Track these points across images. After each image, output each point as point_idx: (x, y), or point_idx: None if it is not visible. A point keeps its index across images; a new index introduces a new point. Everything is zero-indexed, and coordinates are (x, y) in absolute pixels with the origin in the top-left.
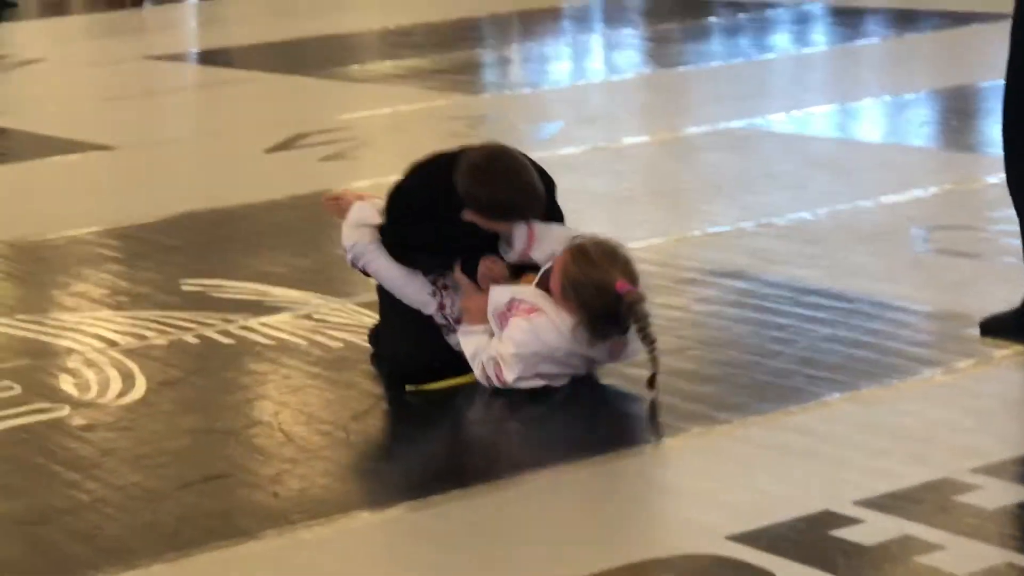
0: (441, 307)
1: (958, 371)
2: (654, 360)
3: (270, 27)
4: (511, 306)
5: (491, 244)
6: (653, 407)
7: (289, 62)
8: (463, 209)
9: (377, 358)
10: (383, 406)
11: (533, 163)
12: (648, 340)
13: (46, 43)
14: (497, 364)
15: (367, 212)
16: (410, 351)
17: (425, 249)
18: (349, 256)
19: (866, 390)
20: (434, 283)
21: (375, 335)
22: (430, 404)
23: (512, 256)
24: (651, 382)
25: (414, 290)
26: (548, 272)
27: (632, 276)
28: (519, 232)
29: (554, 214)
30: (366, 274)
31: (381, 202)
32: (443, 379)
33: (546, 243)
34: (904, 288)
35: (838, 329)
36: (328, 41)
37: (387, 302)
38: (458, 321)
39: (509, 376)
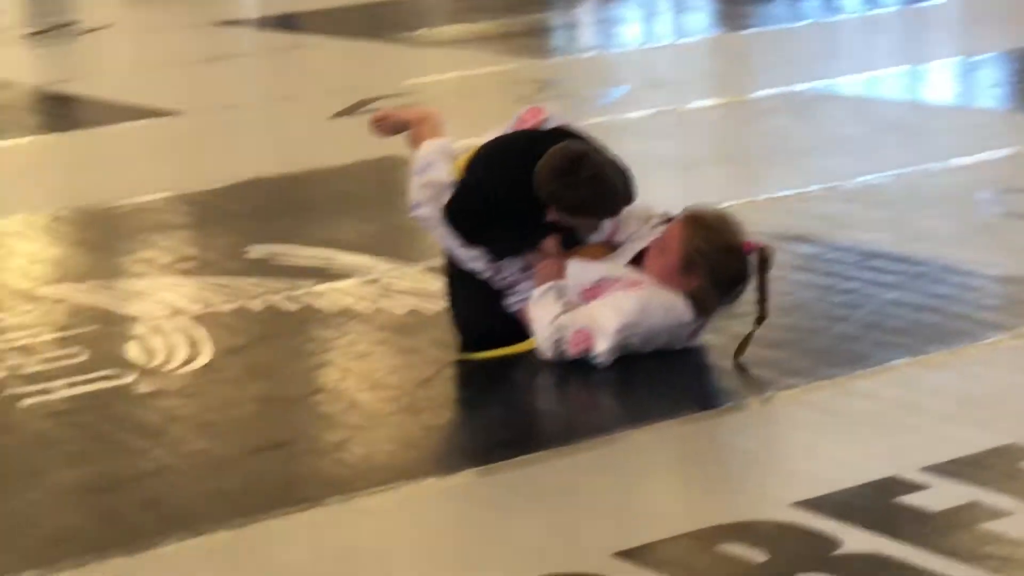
0: (498, 270)
1: None
2: (761, 315)
3: None
4: (602, 285)
5: (567, 234)
6: (720, 372)
7: (355, 26)
8: (545, 208)
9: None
10: (449, 372)
11: (609, 156)
12: (765, 297)
13: (114, 8)
14: (586, 334)
15: (437, 160)
16: (469, 317)
17: (497, 240)
18: (412, 212)
19: (933, 354)
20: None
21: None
22: (496, 370)
23: (595, 239)
24: (744, 344)
25: (471, 256)
26: (643, 251)
27: (749, 236)
28: (604, 222)
29: None
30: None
31: (450, 142)
32: (498, 347)
33: (628, 224)
34: (972, 252)
35: (905, 293)
36: (395, 5)
37: (451, 266)
38: (513, 285)
39: (601, 346)
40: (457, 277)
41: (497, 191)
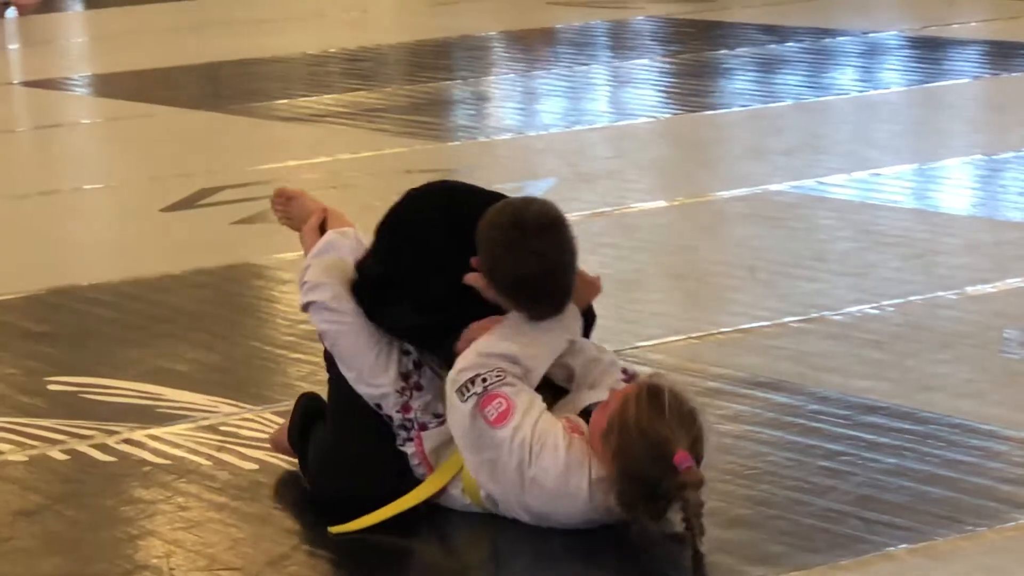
0: (406, 409)
1: None
2: (696, 557)
3: (172, 46)
4: None
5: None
6: (667, 556)
7: (196, 93)
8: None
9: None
10: (309, 548)
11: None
12: (696, 533)
13: None
14: (508, 408)
15: (341, 245)
16: (351, 472)
17: (419, 306)
18: (304, 299)
19: (942, 540)
20: (406, 378)
21: (299, 432)
22: (371, 542)
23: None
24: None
25: (375, 371)
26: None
27: (698, 453)
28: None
29: (587, 315)
30: (321, 337)
31: (361, 236)
32: (377, 508)
33: (587, 369)
34: (994, 408)
35: (907, 460)
36: (247, 66)
37: (339, 393)
38: (423, 427)
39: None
40: (343, 412)
41: (430, 232)
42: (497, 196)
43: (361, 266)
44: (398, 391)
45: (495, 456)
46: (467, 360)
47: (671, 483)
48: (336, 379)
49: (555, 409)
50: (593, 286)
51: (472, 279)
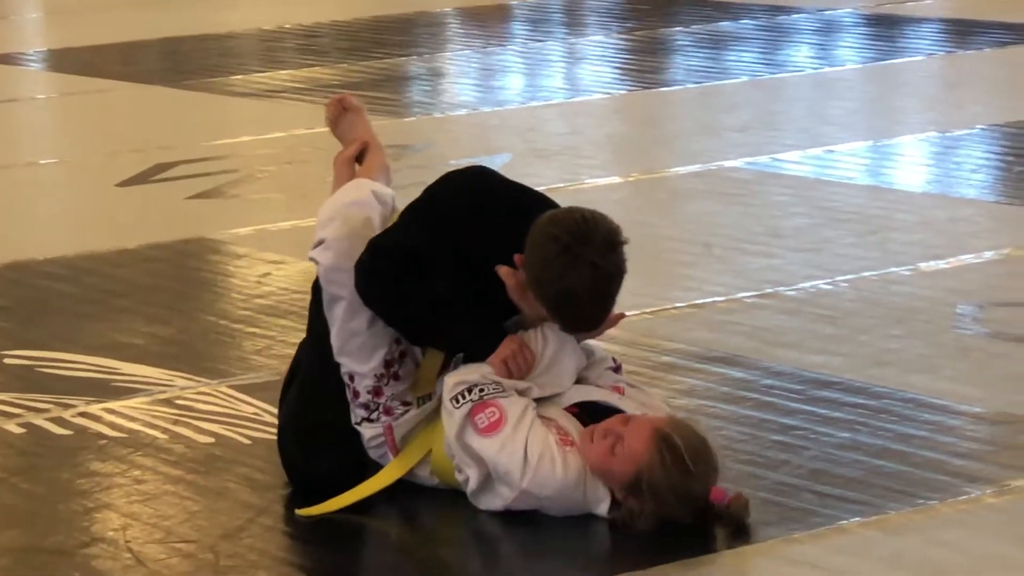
0: (377, 392)
1: (1014, 491)
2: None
3: (127, 22)
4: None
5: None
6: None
7: (150, 68)
8: (512, 264)
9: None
10: (265, 521)
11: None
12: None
13: None
14: (499, 420)
15: (372, 205)
16: (307, 446)
17: (431, 291)
18: (317, 257)
19: (894, 513)
20: (388, 366)
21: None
22: (332, 521)
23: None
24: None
25: (363, 351)
26: (604, 411)
27: (718, 471)
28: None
29: None
30: (315, 291)
31: (393, 197)
32: (341, 491)
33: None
34: (947, 383)
35: (860, 434)
36: (203, 41)
37: (304, 369)
38: (388, 412)
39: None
40: (307, 390)
41: (462, 203)
42: (529, 191)
43: (382, 240)
44: (376, 375)
45: (482, 462)
46: (469, 374)
47: (722, 512)
48: (316, 339)
49: (544, 406)
50: (615, 320)
51: (505, 273)
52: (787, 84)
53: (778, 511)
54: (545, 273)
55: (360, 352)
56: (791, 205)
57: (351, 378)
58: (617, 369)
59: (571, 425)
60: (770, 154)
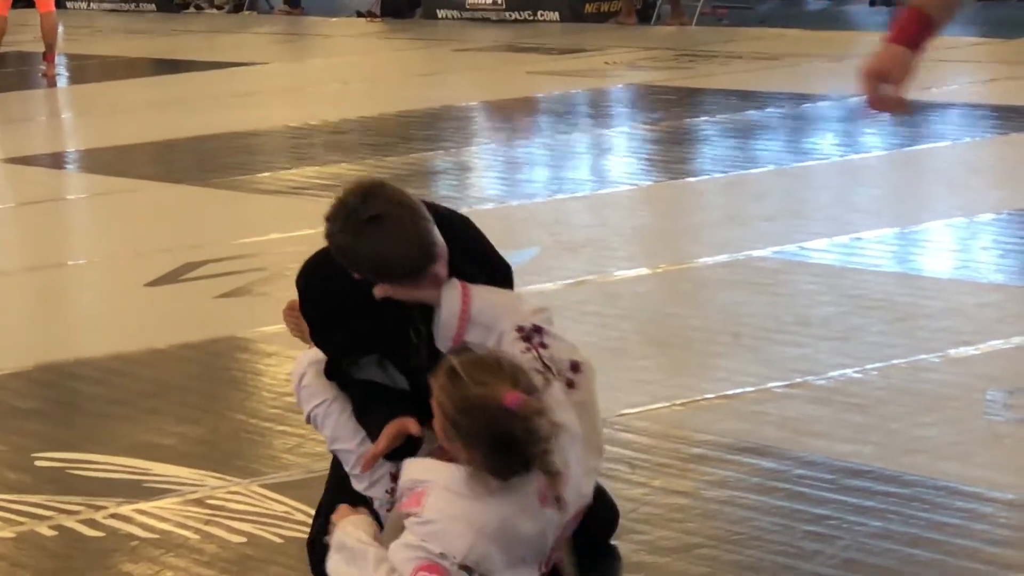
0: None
1: None
2: (566, 548)
3: (154, 121)
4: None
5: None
6: None
7: (178, 167)
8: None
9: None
10: None
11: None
12: (550, 472)
13: None
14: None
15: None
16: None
17: (351, 349)
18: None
19: None
20: (392, 492)
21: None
22: None
23: (443, 339)
24: None
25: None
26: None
27: (527, 385)
28: (449, 296)
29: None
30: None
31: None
32: None
33: (488, 315)
34: (979, 469)
35: (893, 522)
36: (229, 140)
37: (337, 479)
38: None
39: None
40: (334, 485)
41: (324, 291)
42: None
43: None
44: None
45: None
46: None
47: (518, 426)
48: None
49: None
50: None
51: (379, 290)
52: (813, 172)
53: None
54: (344, 255)
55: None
56: (819, 294)
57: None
58: (528, 338)
59: (430, 470)
60: (797, 243)
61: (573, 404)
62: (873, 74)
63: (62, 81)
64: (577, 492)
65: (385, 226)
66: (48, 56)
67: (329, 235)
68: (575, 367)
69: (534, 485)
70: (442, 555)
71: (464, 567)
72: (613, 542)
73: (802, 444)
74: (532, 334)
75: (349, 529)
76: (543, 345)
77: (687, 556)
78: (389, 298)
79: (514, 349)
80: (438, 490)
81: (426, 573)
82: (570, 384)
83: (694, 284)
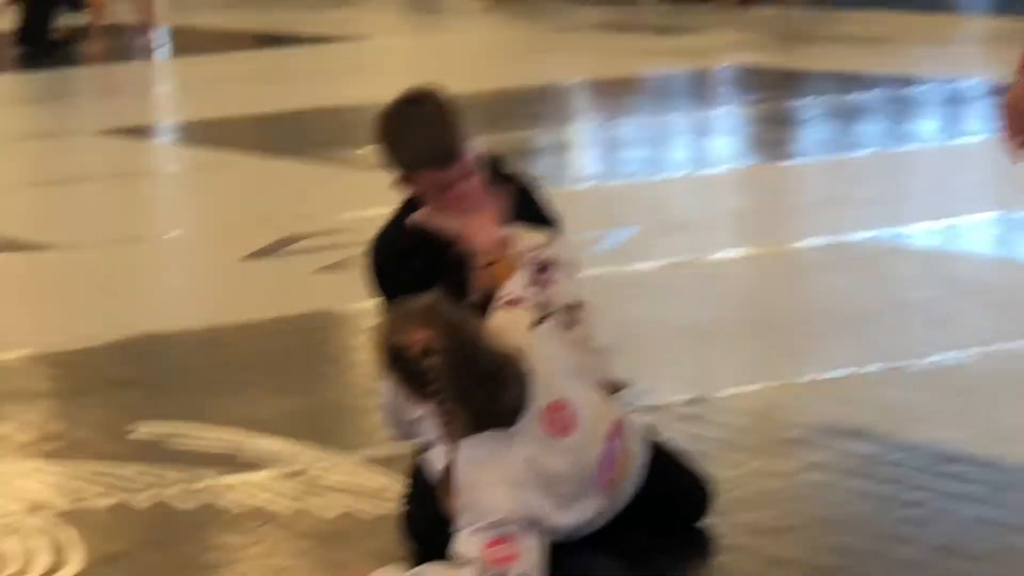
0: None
1: None
2: None
3: (256, 94)
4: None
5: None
6: None
7: (278, 141)
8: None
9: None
10: None
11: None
12: (440, 405)
13: None
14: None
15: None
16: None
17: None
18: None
19: None
20: None
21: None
22: None
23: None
24: None
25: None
26: None
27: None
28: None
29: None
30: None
31: None
32: None
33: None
34: None
35: (990, 509)
36: (331, 114)
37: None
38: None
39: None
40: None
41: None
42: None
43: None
44: None
45: None
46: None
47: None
48: None
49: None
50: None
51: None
52: (914, 156)
53: None
54: (383, 137)
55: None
56: (919, 278)
57: None
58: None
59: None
60: (897, 227)
61: (573, 340)
62: (1017, 109)
63: (163, 53)
64: (595, 415)
65: (423, 107)
66: (145, 28)
67: (376, 126)
68: (576, 306)
69: (535, 424)
70: (493, 524)
71: (519, 522)
72: (708, 521)
73: (899, 429)
74: (545, 266)
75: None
76: (549, 282)
77: (782, 538)
78: (449, 269)
79: (523, 278)
80: (463, 468)
81: (493, 548)
82: (570, 323)
83: (793, 266)
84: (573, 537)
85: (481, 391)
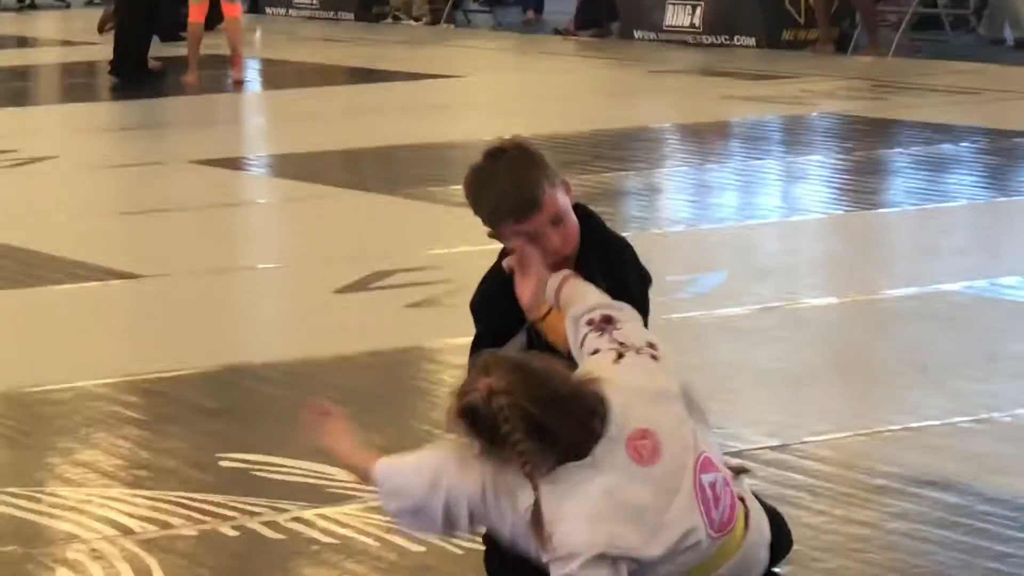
0: None
1: None
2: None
3: (347, 130)
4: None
5: None
6: None
7: (372, 176)
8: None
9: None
10: None
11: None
12: (516, 445)
13: (62, 135)
14: None
15: None
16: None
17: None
18: None
19: None
20: None
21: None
22: None
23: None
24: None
25: None
26: None
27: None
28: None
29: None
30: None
31: None
32: None
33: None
34: None
35: None
36: (424, 151)
37: None
38: None
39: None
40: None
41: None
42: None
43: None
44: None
45: None
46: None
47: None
48: None
49: None
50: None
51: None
52: (1007, 208)
53: None
54: (467, 190)
55: None
56: (1009, 330)
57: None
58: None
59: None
60: (988, 278)
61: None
62: None
63: (254, 86)
64: (682, 444)
65: (499, 162)
66: (235, 60)
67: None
68: (652, 346)
69: (622, 451)
70: (571, 555)
71: (605, 557)
72: (790, 567)
73: (986, 480)
74: (603, 325)
75: None
76: (616, 330)
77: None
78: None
79: (586, 333)
80: (545, 505)
81: None
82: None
83: (882, 315)
84: None
85: (553, 422)
